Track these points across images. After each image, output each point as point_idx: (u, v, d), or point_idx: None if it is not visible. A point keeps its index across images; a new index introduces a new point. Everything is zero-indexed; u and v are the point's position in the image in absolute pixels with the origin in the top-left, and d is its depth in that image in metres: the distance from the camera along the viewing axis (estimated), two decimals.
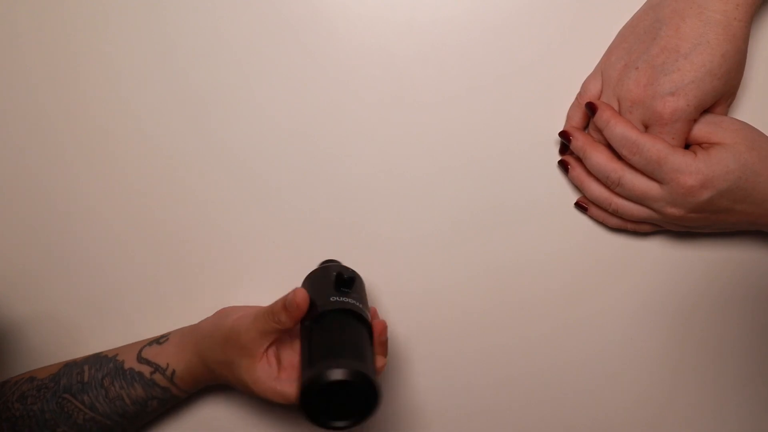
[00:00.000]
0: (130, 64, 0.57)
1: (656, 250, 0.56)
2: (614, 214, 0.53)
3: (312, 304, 0.46)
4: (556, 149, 0.55)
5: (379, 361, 0.46)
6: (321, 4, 0.56)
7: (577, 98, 0.54)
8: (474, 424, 0.59)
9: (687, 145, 0.49)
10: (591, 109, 0.50)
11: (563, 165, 0.54)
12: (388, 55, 0.56)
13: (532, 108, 0.55)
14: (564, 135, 0.52)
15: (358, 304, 0.47)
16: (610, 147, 0.51)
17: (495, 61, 0.55)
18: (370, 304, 0.51)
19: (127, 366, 0.52)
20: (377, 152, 0.57)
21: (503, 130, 0.56)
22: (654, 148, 0.47)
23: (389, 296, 0.57)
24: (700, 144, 0.49)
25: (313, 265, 0.54)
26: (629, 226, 0.54)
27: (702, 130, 0.49)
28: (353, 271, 0.51)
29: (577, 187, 0.54)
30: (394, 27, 0.55)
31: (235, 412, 0.59)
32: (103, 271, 0.58)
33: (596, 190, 0.52)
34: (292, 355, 0.49)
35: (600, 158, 0.50)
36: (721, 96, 0.48)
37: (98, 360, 0.54)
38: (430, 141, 0.56)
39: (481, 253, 0.57)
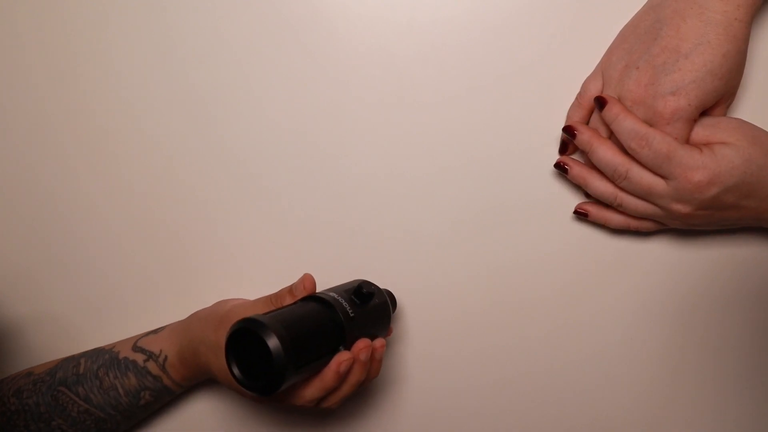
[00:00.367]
0: (130, 64, 0.57)
1: (656, 250, 0.56)
2: (618, 209, 0.53)
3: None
4: (556, 149, 0.55)
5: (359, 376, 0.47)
6: (321, 4, 0.56)
7: (577, 98, 0.54)
8: (474, 424, 0.59)
9: None
10: (600, 102, 0.50)
11: (560, 167, 0.54)
12: (388, 55, 0.56)
13: (532, 108, 0.55)
14: (569, 130, 0.52)
15: (344, 303, 0.47)
16: (614, 143, 0.51)
17: (495, 61, 0.55)
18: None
19: (121, 356, 0.53)
20: (377, 152, 0.57)
21: (503, 130, 0.56)
22: (663, 141, 0.47)
23: None
24: (701, 145, 0.49)
25: (312, 266, 0.54)
26: (632, 224, 0.54)
27: (701, 132, 0.49)
28: (383, 295, 0.51)
29: (580, 185, 0.54)
30: (394, 27, 0.55)
31: (231, 412, 0.59)
32: (102, 270, 0.58)
33: (600, 185, 0.52)
34: None
35: (607, 152, 0.50)
36: (722, 96, 0.48)
37: (95, 353, 0.54)
38: (430, 141, 0.56)
39: (480, 253, 0.57)
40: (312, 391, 0.45)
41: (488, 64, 0.55)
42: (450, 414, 0.59)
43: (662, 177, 0.48)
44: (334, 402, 0.47)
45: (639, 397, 0.58)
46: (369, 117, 0.56)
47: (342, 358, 0.45)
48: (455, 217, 0.57)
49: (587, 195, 0.55)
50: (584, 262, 0.57)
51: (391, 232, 0.57)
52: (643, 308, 0.57)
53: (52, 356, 0.57)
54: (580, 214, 0.55)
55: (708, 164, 0.46)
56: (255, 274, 0.58)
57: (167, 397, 0.54)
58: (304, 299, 0.47)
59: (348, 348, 0.46)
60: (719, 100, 0.48)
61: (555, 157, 0.56)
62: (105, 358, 0.53)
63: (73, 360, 0.54)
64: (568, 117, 0.54)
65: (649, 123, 0.48)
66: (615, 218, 0.54)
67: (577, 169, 0.53)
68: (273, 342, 0.40)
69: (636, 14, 0.51)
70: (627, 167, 0.49)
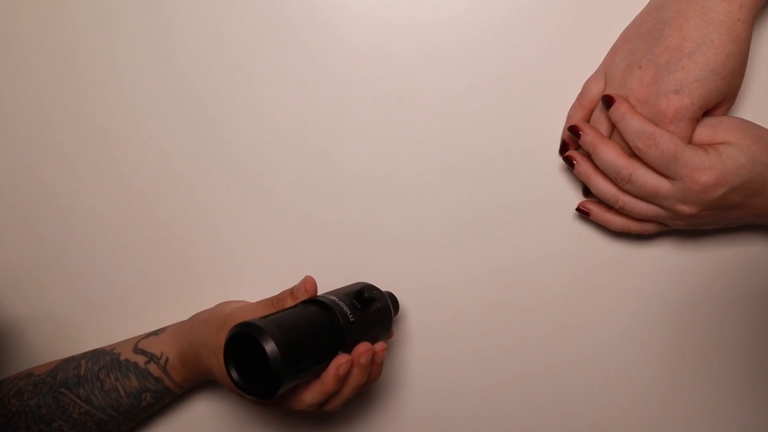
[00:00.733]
0: (130, 64, 0.57)
1: (656, 250, 0.56)
2: (620, 211, 0.52)
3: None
4: (556, 149, 0.55)
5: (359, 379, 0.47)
6: (321, 4, 0.55)
7: (578, 99, 0.54)
8: (475, 424, 0.59)
9: None
10: (607, 101, 0.50)
11: (569, 160, 0.54)
12: (388, 55, 0.56)
13: (532, 108, 0.55)
14: (573, 129, 0.52)
15: (344, 308, 0.47)
16: (618, 144, 0.50)
17: (495, 61, 0.55)
18: None
19: (122, 357, 0.53)
20: (377, 152, 0.57)
21: (503, 130, 0.56)
22: (671, 141, 0.47)
23: None
24: (705, 145, 0.49)
25: (313, 266, 0.54)
26: (633, 227, 0.53)
27: (703, 132, 0.48)
28: (385, 298, 0.51)
29: (584, 182, 0.54)
30: (394, 27, 0.55)
31: (231, 414, 0.59)
32: (102, 270, 0.58)
33: (603, 186, 0.52)
34: None
35: (611, 154, 0.50)
36: (724, 97, 0.48)
37: (96, 354, 0.54)
38: (430, 141, 0.56)
39: (481, 254, 0.57)
40: (312, 395, 0.45)
41: (488, 64, 0.55)
42: (451, 415, 0.59)
43: (667, 177, 0.48)
44: (336, 405, 0.47)
45: (639, 397, 0.58)
46: (369, 117, 0.56)
47: (340, 361, 0.45)
48: (455, 217, 0.57)
49: (588, 192, 0.55)
50: (584, 262, 0.57)
51: (392, 232, 0.57)
52: (643, 308, 0.57)
53: (52, 356, 0.57)
54: (582, 213, 0.55)
55: (715, 164, 0.46)
56: (256, 275, 0.58)
57: (168, 398, 0.54)
58: (305, 302, 0.47)
59: (348, 353, 0.46)
60: (721, 101, 0.48)
61: (555, 157, 0.55)
62: (106, 359, 0.53)
63: (74, 361, 0.54)
64: (569, 118, 0.54)
65: (653, 122, 0.48)
66: (616, 221, 0.54)
67: (584, 166, 0.53)
68: (270, 346, 0.40)
69: (638, 15, 0.51)
70: (630, 170, 0.49)
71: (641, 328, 0.57)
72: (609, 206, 0.53)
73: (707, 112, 0.49)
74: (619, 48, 0.51)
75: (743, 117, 0.51)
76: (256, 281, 0.58)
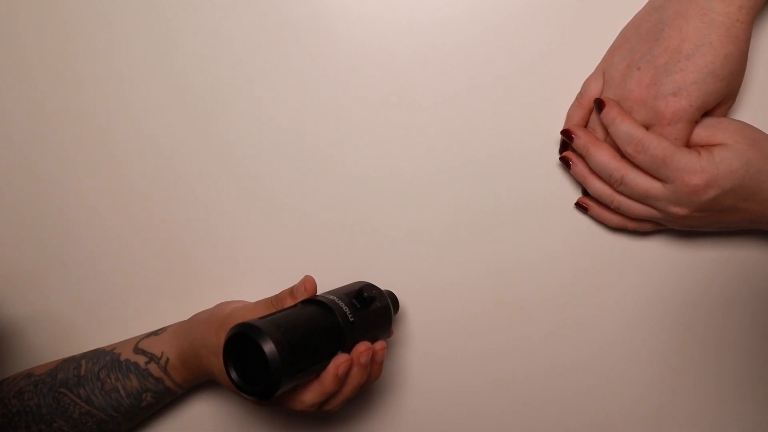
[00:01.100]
0: (131, 64, 0.57)
1: (657, 250, 0.56)
2: (616, 211, 0.53)
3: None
4: (556, 149, 0.55)
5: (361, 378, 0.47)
6: (321, 4, 0.55)
7: (577, 98, 0.54)
8: (475, 424, 0.59)
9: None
10: (599, 105, 0.50)
11: (565, 161, 0.54)
12: (388, 55, 0.56)
13: (532, 108, 0.55)
14: (566, 133, 0.52)
15: (344, 307, 0.47)
16: (612, 146, 0.51)
17: (495, 61, 0.55)
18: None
19: (123, 357, 0.53)
20: (377, 152, 0.57)
21: (503, 130, 0.56)
22: (660, 146, 0.47)
23: None
24: (700, 147, 0.49)
25: (313, 266, 0.54)
26: (630, 225, 0.54)
27: (701, 133, 0.49)
28: (385, 298, 0.50)
29: (580, 183, 0.54)
30: (394, 27, 0.55)
31: (232, 413, 0.59)
32: (102, 271, 0.58)
33: (599, 187, 0.52)
34: None
35: (603, 157, 0.50)
36: (723, 98, 0.48)
37: (96, 354, 0.54)
38: (430, 141, 0.56)
39: (481, 253, 0.57)
40: (312, 395, 0.45)
41: (488, 64, 0.55)
42: (451, 414, 0.59)
43: (659, 180, 0.48)
44: (336, 405, 0.47)
45: (639, 397, 0.58)
46: (369, 117, 0.56)
47: (340, 360, 0.45)
48: (455, 217, 0.57)
49: (586, 192, 0.55)
50: (584, 262, 0.57)
51: (392, 232, 0.57)
52: (643, 308, 0.57)
53: (52, 356, 0.57)
54: (581, 208, 0.55)
55: (706, 167, 0.46)
56: (256, 274, 0.58)
57: (169, 398, 0.54)
58: (304, 302, 0.47)
59: (348, 352, 0.46)
60: (720, 102, 0.48)
61: (555, 157, 0.56)
62: (106, 359, 0.53)
63: (74, 361, 0.54)
64: (568, 117, 0.54)
65: (651, 124, 0.48)
66: (613, 219, 0.54)
67: (580, 167, 0.53)
68: (269, 347, 0.40)
69: (637, 15, 0.51)
70: (622, 173, 0.49)
71: (641, 328, 0.57)
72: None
73: (707, 113, 0.49)
74: (618, 48, 0.51)
75: (742, 118, 0.51)
76: (256, 281, 0.58)
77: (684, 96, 0.46)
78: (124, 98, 0.57)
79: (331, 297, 0.47)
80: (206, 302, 0.56)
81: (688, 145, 0.49)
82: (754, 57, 0.53)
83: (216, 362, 0.48)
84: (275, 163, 0.57)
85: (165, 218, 0.58)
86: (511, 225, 0.57)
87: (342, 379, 0.45)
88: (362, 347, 0.46)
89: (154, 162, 0.57)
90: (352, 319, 0.46)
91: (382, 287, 0.52)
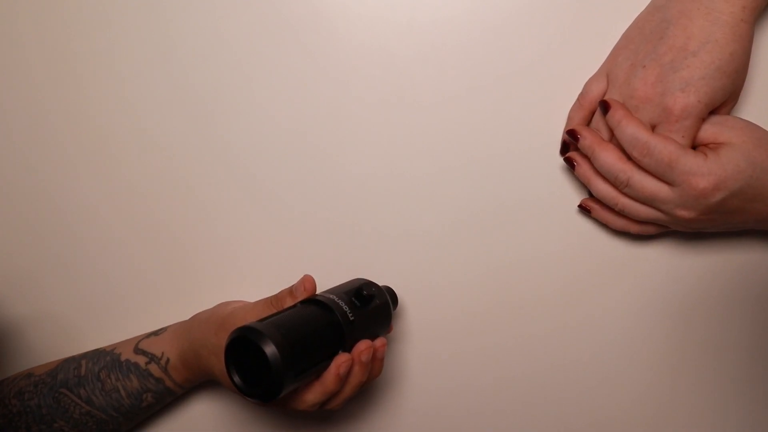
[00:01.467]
0: (131, 64, 0.57)
1: (657, 251, 0.56)
2: (620, 213, 0.52)
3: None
4: (556, 150, 0.55)
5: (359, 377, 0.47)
6: (321, 4, 0.55)
7: (578, 99, 0.53)
8: (475, 422, 0.59)
9: (693, 147, 0.49)
10: (604, 106, 0.50)
11: (570, 162, 0.54)
12: (388, 55, 0.56)
13: (532, 108, 0.55)
14: (572, 133, 0.52)
15: (343, 306, 0.47)
16: (618, 147, 0.50)
17: (495, 61, 0.55)
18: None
19: (123, 358, 0.53)
20: (377, 152, 0.57)
21: (503, 130, 0.56)
22: (665, 149, 0.47)
23: None
24: (706, 145, 0.49)
25: (313, 266, 0.54)
26: (633, 228, 0.54)
27: (708, 130, 0.48)
28: (384, 295, 0.50)
29: (584, 184, 0.54)
30: (394, 27, 0.55)
31: (232, 413, 0.59)
32: (102, 271, 0.58)
33: (603, 188, 0.52)
34: None
35: (609, 158, 0.50)
36: (729, 96, 0.48)
37: (96, 354, 0.54)
38: (430, 141, 0.56)
39: (481, 253, 0.57)
40: (314, 395, 0.45)
41: (488, 64, 0.55)
42: (451, 412, 0.59)
43: (666, 183, 0.48)
44: (337, 404, 0.47)
45: (639, 397, 0.58)
46: (369, 117, 0.56)
47: (341, 360, 0.45)
48: (455, 217, 0.57)
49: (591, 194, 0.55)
50: (585, 262, 0.57)
51: (391, 231, 0.57)
52: (643, 309, 0.57)
53: (52, 356, 0.57)
54: (584, 210, 0.55)
55: (713, 170, 0.46)
56: (255, 274, 0.58)
57: (169, 398, 0.54)
58: (304, 302, 0.47)
59: (348, 351, 0.46)
60: (725, 100, 0.48)
61: (556, 157, 0.55)
62: (106, 359, 0.53)
63: (74, 361, 0.54)
64: (569, 118, 0.54)
65: (658, 122, 0.48)
66: (617, 221, 0.54)
67: (584, 168, 0.53)
68: (270, 350, 0.40)
69: (640, 15, 0.51)
70: (629, 175, 0.49)
71: (641, 328, 0.57)
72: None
73: (711, 112, 0.49)
74: (622, 48, 0.51)
75: (744, 117, 0.51)
76: (256, 281, 0.58)
77: (692, 92, 0.46)
78: (124, 98, 0.57)
79: (331, 296, 0.47)
80: (206, 302, 0.56)
81: (695, 142, 0.49)
82: (756, 57, 0.53)
83: (216, 362, 0.48)
84: (275, 162, 0.57)
85: (165, 218, 0.58)
86: (511, 225, 0.57)
87: (343, 379, 0.45)
88: (363, 346, 0.46)
89: (154, 162, 0.57)
90: (352, 318, 0.46)
91: (383, 284, 0.52)
